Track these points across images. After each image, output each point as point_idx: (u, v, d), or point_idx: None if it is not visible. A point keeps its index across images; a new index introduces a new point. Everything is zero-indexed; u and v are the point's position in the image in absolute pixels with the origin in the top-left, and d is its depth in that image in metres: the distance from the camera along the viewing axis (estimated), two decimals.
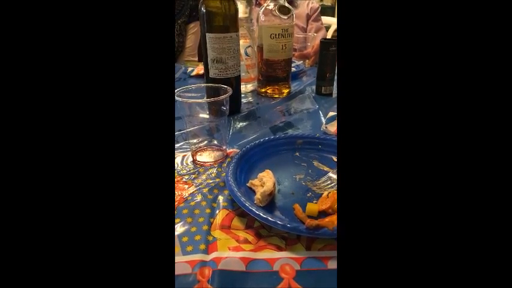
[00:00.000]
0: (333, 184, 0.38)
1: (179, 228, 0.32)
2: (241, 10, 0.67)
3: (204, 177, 0.41)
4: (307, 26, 1.32)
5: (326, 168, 0.42)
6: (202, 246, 0.29)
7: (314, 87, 0.75)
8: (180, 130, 0.52)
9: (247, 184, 0.38)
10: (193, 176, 0.41)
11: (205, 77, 0.60)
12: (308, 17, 1.32)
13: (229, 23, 0.55)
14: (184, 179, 0.41)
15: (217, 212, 0.34)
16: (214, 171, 0.42)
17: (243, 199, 0.33)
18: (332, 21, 1.63)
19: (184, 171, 0.43)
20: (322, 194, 0.35)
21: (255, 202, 0.34)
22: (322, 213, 0.32)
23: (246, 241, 0.30)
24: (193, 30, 1.26)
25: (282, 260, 0.28)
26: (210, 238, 0.30)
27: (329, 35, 1.53)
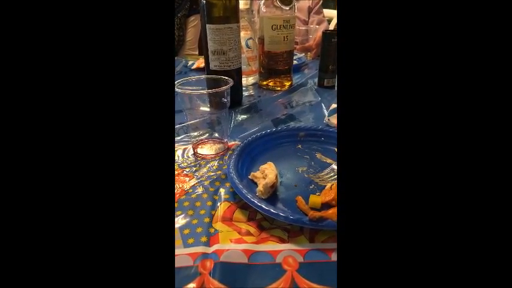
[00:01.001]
0: (336, 176, 0.37)
1: (180, 221, 0.31)
2: (242, 1, 0.66)
3: (205, 169, 0.41)
4: (308, 18, 1.30)
5: (329, 161, 0.42)
6: (204, 239, 0.29)
7: (316, 79, 0.74)
8: (181, 123, 0.52)
9: (249, 176, 0.37)
10: (195, 168, 0.41)
11: (206, 69, 0.59)
12: (310, 9, 1.30)
13: (229, 14, 0.54)
14: (185, 172, 0.40)
15: (218, 204, 0.34)
16: (216, 164, 0.42)
17: (244, 191, 0.32)
18: (334, 14, 1.60)
19: (185, 164, 0.42)
20: (325, 186, 0.35)
21: (257, 194, 0.33)
22: (326, 205, 0.32)
23: (248, 233, 0.29)
24: (194, 23, 1.25)
25: (285, 252, 0.27)
26: (212, 230, 0.30)
27: (331, 28, 1.51)
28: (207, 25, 0.54)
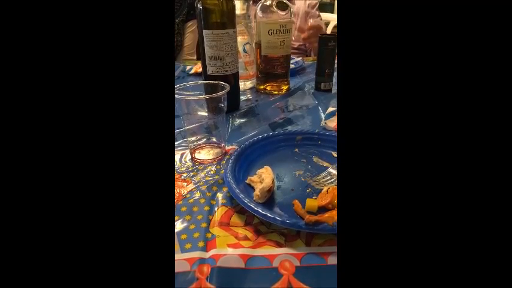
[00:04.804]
0: (332, 179, 0.38)
1: (178, 226, 0.31)
2: (239, 7, 0.66)
3: (202, 174, 0.41)
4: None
5: (326, 164, 0.42)
6: (201, 244, 0.29)
7: (313, 83, 0.75)
8: (179, 128, 0.52)
9: (246, 181, 0.37)
10: (192, 173, 0.41)
11: (203, 74, 0.60)
12: (306, 14, 1.31)
13: (226, 20, 0.54)
14: (183, 177, 0.40)
15: (216, 209, 0.34)
16: (213, 169, 0.42)
17: (241, 195, 0.32)
18: (331, 18, 1.62)
19: (183, 169, 0.42)
20: (322, 189, 0.35)
21: (254, 199, 0.34)
22: (322, 209, 0.32)
23: (245, 238, 0.30)
24: (192, 28, 1.26)
25: (282, 256, 0.27)
26: (209, 235, 0.30)
27: (328, 31, 1.52)
28: (203, 31, 0.54)
